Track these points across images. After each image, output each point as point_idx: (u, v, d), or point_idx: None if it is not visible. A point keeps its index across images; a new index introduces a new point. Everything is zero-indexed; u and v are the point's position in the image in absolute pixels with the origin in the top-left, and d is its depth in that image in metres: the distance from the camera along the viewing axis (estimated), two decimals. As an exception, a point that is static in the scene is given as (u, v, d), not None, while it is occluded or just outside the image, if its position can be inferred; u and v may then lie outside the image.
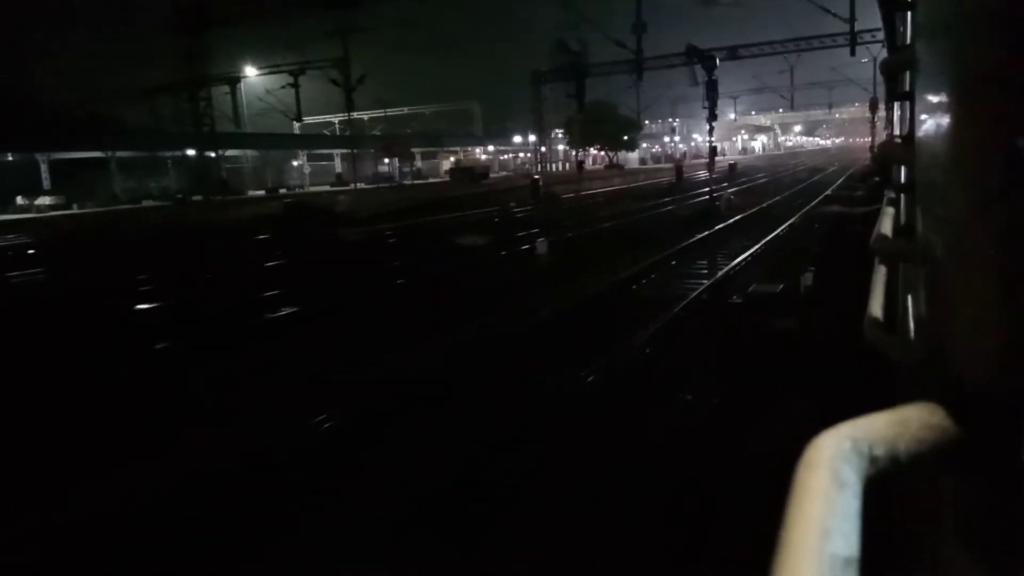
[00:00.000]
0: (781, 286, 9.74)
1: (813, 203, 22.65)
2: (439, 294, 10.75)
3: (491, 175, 62.65)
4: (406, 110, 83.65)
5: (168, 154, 42.90)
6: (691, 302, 9.13)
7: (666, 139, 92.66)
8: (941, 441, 0.48)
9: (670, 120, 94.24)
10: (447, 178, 50.60)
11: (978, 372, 0.51)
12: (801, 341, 6.96)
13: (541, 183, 30.87)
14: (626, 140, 63.25)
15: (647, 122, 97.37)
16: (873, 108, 34.69)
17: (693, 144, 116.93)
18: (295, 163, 61.78)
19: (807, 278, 9.61)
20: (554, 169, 67.39)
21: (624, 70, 38.02)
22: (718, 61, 27.30)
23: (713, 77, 23.46)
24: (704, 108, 22.38)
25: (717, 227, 16.71)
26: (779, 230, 15.94)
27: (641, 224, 20.01)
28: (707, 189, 35.00)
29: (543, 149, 52.75)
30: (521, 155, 79.96)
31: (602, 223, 20.27)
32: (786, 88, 59.86)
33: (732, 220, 18.32)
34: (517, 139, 70.75)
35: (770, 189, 31.44)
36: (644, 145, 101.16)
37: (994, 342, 0.50)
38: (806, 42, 38.05)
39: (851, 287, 2.66)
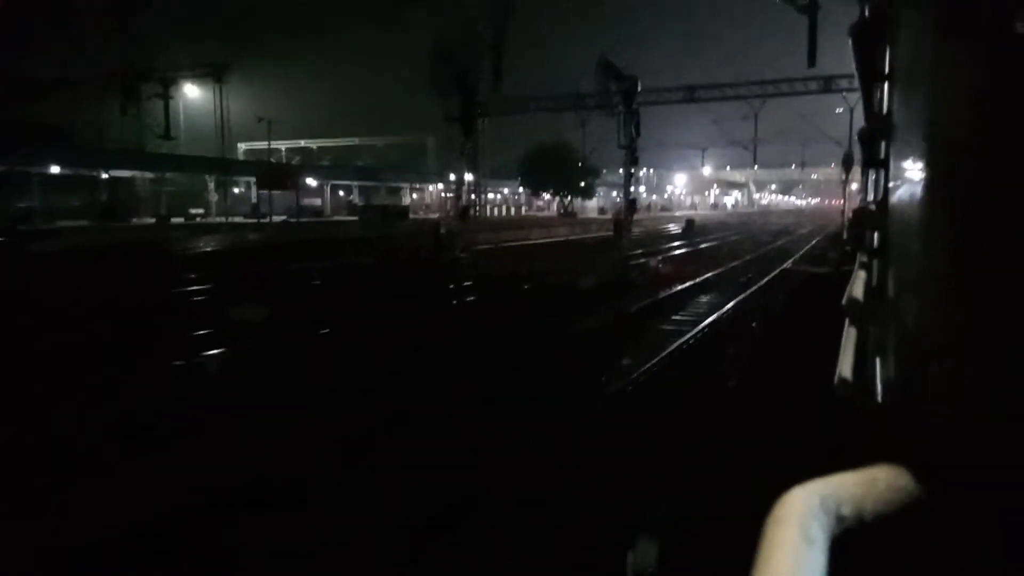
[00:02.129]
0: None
1: (764, 280, 17.15)
2: None
3: (432, 214, 57.10)
4: (357, 141, 78.25)
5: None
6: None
7: (632, 188, 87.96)
8: (907, 503, 0.48)
9: (645, 168, 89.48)
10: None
11: (945, 432, 0.50)
12: None
13: (444, 231, 25.21)
14: (583, 187, 58.12)
15: (620, 170, 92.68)
16: (847, 166, 29.88)
17: (667, 196, 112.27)
18: (236, 190, 56.02)
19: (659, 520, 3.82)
20: (500, 213, 61.89)
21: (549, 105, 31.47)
22: (638, 88, 21.52)
23: (634, 106, 17.91)
24: (621, 148, 16.73)
25: (605, 320, 11.00)
26: (698, 329, 10.30)
27: (519, 300, 14.28)
28: (652, 248, 29.79)
29: (512, 190, 47.24)
30: (492, 195, 74.03)
31: (464, 295, 14.48)
32: (757, 138, 55.26)
33: (643, 303, 12.71)
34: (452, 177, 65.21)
35: (722, 254, 26.08)
36: (614, 194, 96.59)
37: (961, 403, 0.50)
38: (773, 86, 32.81)
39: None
